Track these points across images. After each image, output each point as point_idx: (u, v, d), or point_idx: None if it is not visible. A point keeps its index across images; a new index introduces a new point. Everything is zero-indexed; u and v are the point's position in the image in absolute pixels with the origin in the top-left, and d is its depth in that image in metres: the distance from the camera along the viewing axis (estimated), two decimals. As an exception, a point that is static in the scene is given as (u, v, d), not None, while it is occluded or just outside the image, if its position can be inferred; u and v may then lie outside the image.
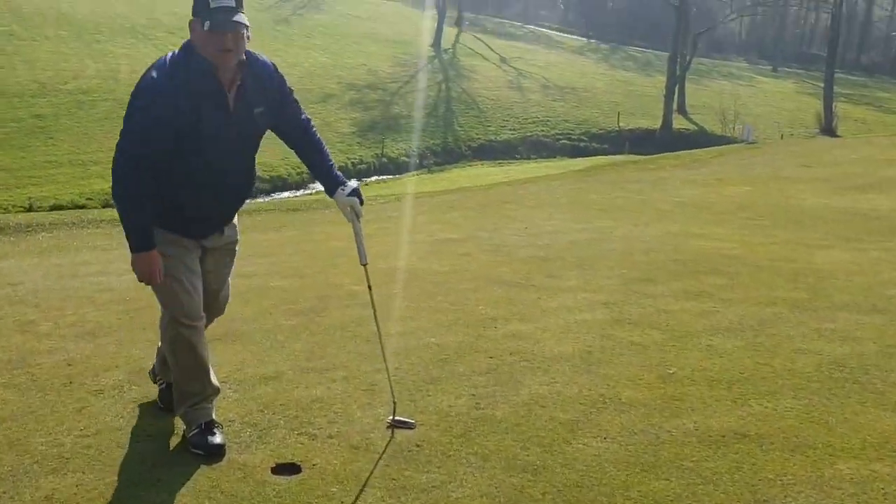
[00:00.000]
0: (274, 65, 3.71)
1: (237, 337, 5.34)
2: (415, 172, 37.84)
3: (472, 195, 12.46)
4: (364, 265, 4.04)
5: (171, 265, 3.67)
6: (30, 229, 10.73)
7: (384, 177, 36.95)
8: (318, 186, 28.46)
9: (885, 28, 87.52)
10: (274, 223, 10.03)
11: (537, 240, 8.31)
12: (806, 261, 7.44)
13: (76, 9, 49.64)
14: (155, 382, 4.40)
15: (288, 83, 3.78)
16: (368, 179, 36.23)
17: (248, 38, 3.47)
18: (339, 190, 3.84)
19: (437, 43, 60.74)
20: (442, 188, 17.91)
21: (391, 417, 4.05)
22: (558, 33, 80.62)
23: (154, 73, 3.40)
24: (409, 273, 6.93)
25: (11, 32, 42.74)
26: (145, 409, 4.33)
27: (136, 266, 3.58)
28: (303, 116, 3.86)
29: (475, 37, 68.61)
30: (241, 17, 3.39)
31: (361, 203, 3.87)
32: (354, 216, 3.86)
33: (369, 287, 4.14)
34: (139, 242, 3.53)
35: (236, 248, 4.09)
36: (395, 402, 4.10)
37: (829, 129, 46.58)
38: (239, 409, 4.25)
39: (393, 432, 3.96)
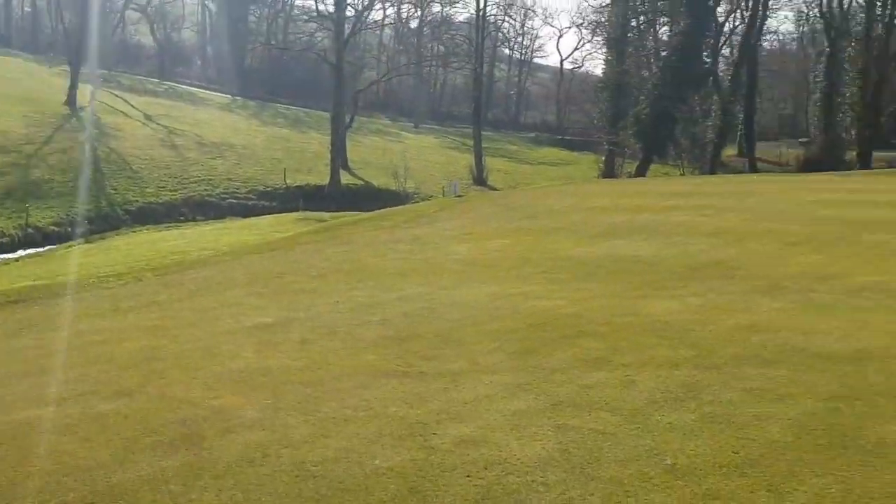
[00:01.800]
0: None
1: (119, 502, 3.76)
2: (73, 243, 33.73)
3: (230, 266, 10.96)
4: None
5: None
6: None
7: (37, 249, 32.45)
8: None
9: (504, 87, 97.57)
10: (8, 326, 7.81)
11: (367, 315, 7.37)
12: (645, 314, 7.39)
13: None
14: None
15: None
16: (13, 255, 31.55)
17: None
18: None
19: (72, 101, 55.45)
20: (160, 261, 15.86)
21: None
22: (202, 90, 78.26)
23: None
24: (262, 375, 5.64)
25: None
26: None
27: None
28: None
29: (113, 94, 63.90)
30: None
31: None
32: None
33: None
34: None
35: None
36: None
37: (481, 180, 50.37)
38: None
39: None
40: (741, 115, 56.70)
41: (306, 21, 77.65)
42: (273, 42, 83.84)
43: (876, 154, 50.22)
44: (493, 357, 6.00)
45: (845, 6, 55.89)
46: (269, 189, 46.99)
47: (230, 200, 44.78)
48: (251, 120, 66.38)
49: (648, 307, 7.65)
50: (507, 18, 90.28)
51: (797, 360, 5.87)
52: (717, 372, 5.63)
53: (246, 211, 42.75)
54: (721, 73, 57.52)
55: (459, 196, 21.64)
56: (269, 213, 40.93)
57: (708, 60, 54.63)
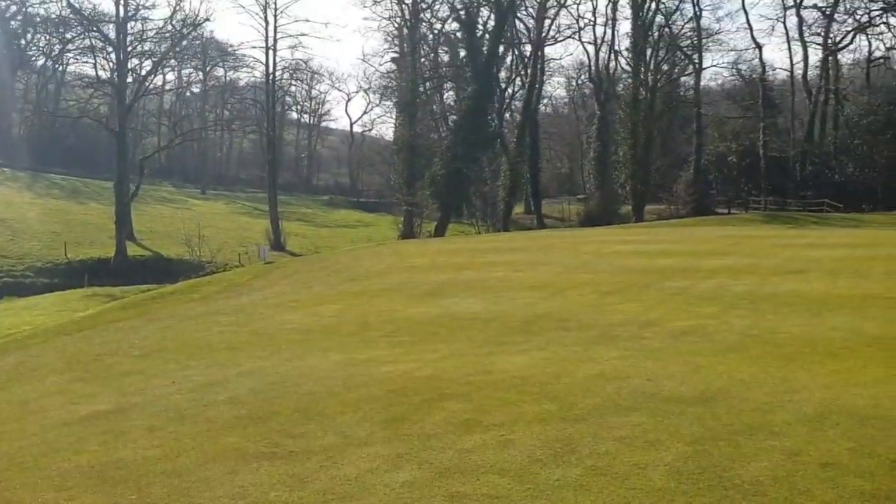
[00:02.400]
0: None
1: None
2: None
3: (40, 350, 9.87)
4: None
5: None
6: None
7: None
8: None
9: (294, 151, 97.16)
10: None
11: (211, 395, 6.90)
12: (499, 371, 7.46)
13: None
14: None
15: None
16: None
17: None
18: None
19: None
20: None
21: None
22: (-36, 162, 71.94)
23: None
24: (117, 468, 5.10)
25: None
26: None
27: None
28: None
29: None
30: None
31: None
32: None
33: None
34: None
35: None
36: None
37: (279, 245, 49.47)
38: None
39: None
40: (528, 175, 59.88)
41: (84, 87, 73.66)
42: (45, 109, 78.66)
43: (648, 207, 54.68)
44: (362, 428, 5.79)
45: (612, 72, 60.92)
46: (48, 265, 43.57)
47: (5, 279, 41.07)
48: (24, 192, 61.75)
49: (500, 364, 7.73)
50: (294, 82, 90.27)
51: (652, 405, 6.11)
52: (584, 424, 5.74)
53: (24, 290, 39.29)
54: (507, 135, 60.69)
55: (269, 262, 21.10)
56: (51, 291, 37.92)
57: (494, 123, 57.42)
